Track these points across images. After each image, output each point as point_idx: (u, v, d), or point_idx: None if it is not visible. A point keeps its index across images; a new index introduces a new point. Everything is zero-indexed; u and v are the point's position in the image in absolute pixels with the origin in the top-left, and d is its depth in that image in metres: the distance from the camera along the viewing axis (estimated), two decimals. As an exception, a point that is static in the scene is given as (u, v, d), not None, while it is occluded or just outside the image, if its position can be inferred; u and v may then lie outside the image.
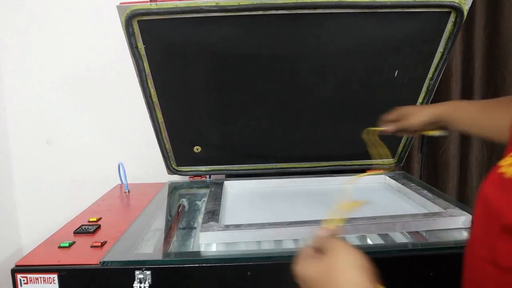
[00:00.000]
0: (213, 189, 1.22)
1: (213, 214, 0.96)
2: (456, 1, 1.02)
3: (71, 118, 1.59)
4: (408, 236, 0.93)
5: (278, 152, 1.34)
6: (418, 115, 0.90)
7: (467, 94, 1.55)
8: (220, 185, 1.26)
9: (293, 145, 1.31)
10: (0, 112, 1.56)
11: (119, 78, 1.51)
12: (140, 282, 0.76)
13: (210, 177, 1.42)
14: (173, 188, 1.36)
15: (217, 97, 1.20)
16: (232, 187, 1.30)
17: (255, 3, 0.96)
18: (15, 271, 0.78)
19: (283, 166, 1.37)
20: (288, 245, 0.88)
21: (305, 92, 1.19)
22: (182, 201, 1.27)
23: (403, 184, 1.19)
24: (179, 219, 1.12)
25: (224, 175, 1.43)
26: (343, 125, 1.25)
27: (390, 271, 0.52)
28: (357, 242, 0.93)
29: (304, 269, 0.49)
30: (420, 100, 1.24)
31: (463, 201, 1.55)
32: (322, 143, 1.31)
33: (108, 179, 1.47)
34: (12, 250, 1.59)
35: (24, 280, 0.77)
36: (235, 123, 1.28)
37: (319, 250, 0.49)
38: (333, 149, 1.33)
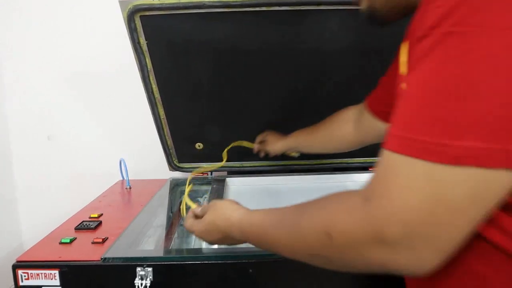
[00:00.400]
0: (215, 186, 1.22)
1: None
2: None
3: (72, 114, 1.58)
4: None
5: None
6: (274, 145, 1.18)
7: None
8: (222, 182, 1.26)
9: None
10: (1, 108, 1.56)
11: (121, 74, 1.51)
12: (142, 279, 0.76)
13: (211, 174, 1.42)
14: (175, 185, 1.36)
15: (219, 94, 1.20)
16: (234, 184, 1.30)
17: (258, -2, 0.97)
18: (16, 266, 0.78)
19: (285, 164, 1.37)
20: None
21: (309, 88, 1.19)
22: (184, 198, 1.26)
23: None
24: (180, 216, 1.11)
25: (226, 172, 1.43)
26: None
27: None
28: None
29: (192, 227, 0.70)
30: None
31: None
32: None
33: (110, 175, 1.47)
34: (13, 246, 1.59)
35: (25, 276, 0.78)
36: (237, 119, 1.28)
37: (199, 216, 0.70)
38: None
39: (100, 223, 1.00)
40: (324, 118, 1.20)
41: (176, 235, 1.00)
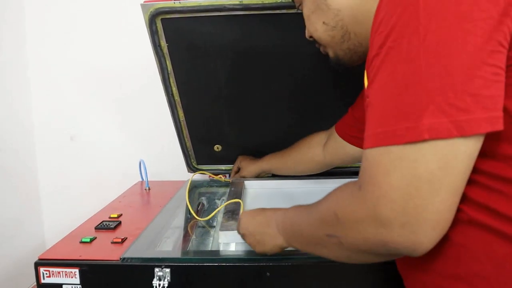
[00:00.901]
0: (232, 188, 1.21)
1: (232, 214, 0.95)
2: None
3: (94, 115, 1.61)
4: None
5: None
6: (248, 170, 1.30)
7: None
8: (239, 184, 1.26)
9: None
10: (26, 108, 1.59)
11: (142, 76, 1.52)
12: (159, 280, 0.76)
13: (229, 176, 1.41)
14: (193, 187, 1.35)
15: (239, 96, 1.20)
16: (251, 186, 1.29)
17: (279, 1, 0.96)
18: (38, 264, 0.79)
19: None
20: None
21: (330, 90, 1.18)
22: (202, 200, 1.26)
23: None
24: (198, 217, 1.11)
25: None
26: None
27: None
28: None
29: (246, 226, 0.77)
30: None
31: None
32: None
33: (129, 176, 1.48)
34: (35, 244, 1.62)
35: (46, 274, 0.78)
36: (256, 122, 1.28)
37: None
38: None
39: (120, 223, 1.00)
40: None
41: (194, 236, 1.00)
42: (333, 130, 1.10)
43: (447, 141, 0.43)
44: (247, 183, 1.29)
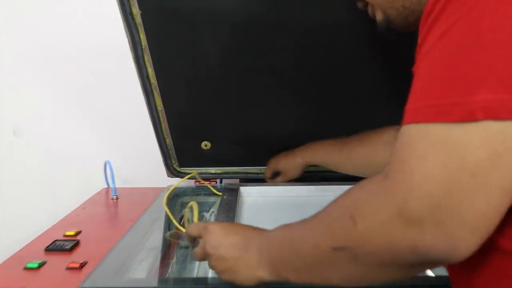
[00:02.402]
0: (225, 196, 1.22)
1: None
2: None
3: (45, 104, 1.59)
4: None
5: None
6: (292, 168, 1.30)
7: None
8: (234, 191, 1.27)
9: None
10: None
11: (108, 55, 1.52)
12: (130, 317, 0.76)
13: (221, 182, 1.43)
14: (174, 195, 1.35)
15: (234, 79, 1.21)
16: (249, 194, 1.31)
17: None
18: (-35, 298, 0.80)
19: (314, 170, 1.37)
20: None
21: (358, 72, 1.19)
22: (185, 211, 1.24)
23: None
24: (180, 235, 1.12)
25: (239, 179, 1.44)
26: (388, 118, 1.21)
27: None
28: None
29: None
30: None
31: None
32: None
33: (91, 181, 1.48)
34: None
35: (-23, 311, 0.79)
36: (254, 113, 1.29)
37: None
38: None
39: (78, 243, 1.00)
40: (367, 112, 1.26)
41: (174, 259, 1.00)
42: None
43: (504, 124, 0.43)
44: (244, 190, 1.31)
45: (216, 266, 0.73)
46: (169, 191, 1.27)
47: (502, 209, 0.45)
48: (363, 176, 1.17)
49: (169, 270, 0.95)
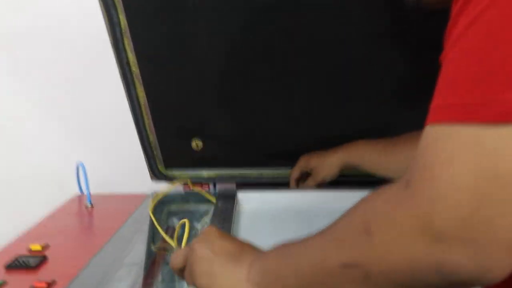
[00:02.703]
0: (219, 204, 1.22)
1: None
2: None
3: (7, 96, 1.57)
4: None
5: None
6: (326, 167, 1.28)
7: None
8: (230, 198, 1.27)
9: (336, 142, 1.31)
10: None
11: (82, 38, 1.50)
12: None
13: (215, 186, 1.43)
14: (160, 202, 1.35)
15: (229, 68, 1.21)
16: (248, 201, 1.31)
17: None
18: None
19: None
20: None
21: (356, 71, 1.20)
22: (173, 221, 1.26)
23: None
24: (167, 250, 1.12)
25: (235, 184, 1.43)
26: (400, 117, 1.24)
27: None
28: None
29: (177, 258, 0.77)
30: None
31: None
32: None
33: (62, 186, 1.47)
34: None
35: None
36: (253, 107, 1.29)
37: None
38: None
39: (45, 259, 0.99)
40: (376, 109, 1.28)
41: (160, 278, 0.99)
42: None
43: None
44: (242, 196, 1.31)
45: (197, 267, 0.72)
46: (158, 198, 1.29)
47: None
48: None
49: None
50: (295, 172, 1.34)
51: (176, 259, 0.76)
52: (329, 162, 1.28)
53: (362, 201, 0.56)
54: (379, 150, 1.22)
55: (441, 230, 0.45)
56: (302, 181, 1.33)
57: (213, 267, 0.70)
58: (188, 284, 0.74)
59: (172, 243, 1.06)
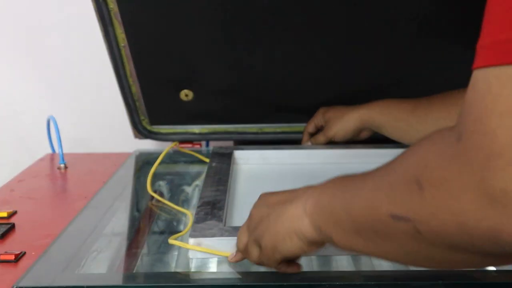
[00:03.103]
0: (214, 164, 1.21)
1: (213, 208, 0.96)
2: None
3: None
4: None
5: (319, 105, 1.37)
6: (342, 122, 1.29)
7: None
8: (226, 157, 1.26)
9: (342, 94, 1.35)
10: None
11: None
12: (84, 327, 0.77)
13: (208, 145, 1.45)
14: (144, 163, 1.36)
15: (223, 6, 1.20)
16: (246, 160, 1.31)
17: None
18: None
19: None
20: (336, 264, 0.91)
21: (372, 11, 1.21)
22: (159, 185, 1.27)
23: None
24: (153, 217, 1.13)
25: (232, 142, 1.46)
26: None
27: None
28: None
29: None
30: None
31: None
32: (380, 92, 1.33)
33: (30, 144, 1.49)
34: None
35: None
36: (252, 51, 1.29)
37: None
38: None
39: (12, 227, 0.98)
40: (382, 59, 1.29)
41: (145, 249, 1.00)
42: None
43: None
44: (240, 155, 1.31)
45: (259, 229, 0.76)
46: (152, 171, 1.25)
47: None
48: None
49: (138, 262, 0.95)
50: (310, 125, 1.35)
51: (240, 236, 0.80)
52: (346, 118, 1.28)
53: (413, 149, 0.58)
54: (408, 111, 1.21)
55: (498, 192, 0.45)
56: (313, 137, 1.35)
57: (271, 217, 0.74)
58: (263, 264, 0.77)
59: (188, 212, 1.06)
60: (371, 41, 1.25)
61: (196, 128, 1.41)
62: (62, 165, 1.32)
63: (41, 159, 1.39)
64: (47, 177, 1.28)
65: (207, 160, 1.30)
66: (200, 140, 1.42)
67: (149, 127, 1.40)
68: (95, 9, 1.17)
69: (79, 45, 1.54)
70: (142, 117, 1.38)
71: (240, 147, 1.34)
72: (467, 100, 0.49)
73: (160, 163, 1.35)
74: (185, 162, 1.35)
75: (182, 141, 1.40)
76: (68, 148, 1.36)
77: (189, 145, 1.41)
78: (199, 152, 1.39)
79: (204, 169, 1.25)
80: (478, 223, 0.47)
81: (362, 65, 1.28)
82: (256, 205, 0.80)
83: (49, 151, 1.42)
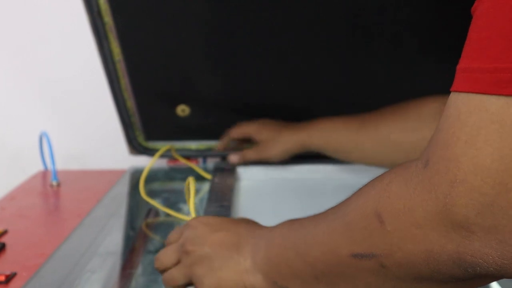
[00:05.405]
0: (216, 181, 1.21)
1: None
2: None
3: None
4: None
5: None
6: (277, 145, 1.28)
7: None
8: (227, 174, 1.27)
9: (341, 107, 1.31)
10: None
11: None
12: None
13: (205, 161, 1.45)
14: (139, 180, 1.32)
15: (221, 18, 1.22)
16: (248, 176, 1.32)
17: None
18: None
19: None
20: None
21: (368, 24, 1.22)
22: (156, 203, 1.24)
23: None
24: (148, 236, 1.14)
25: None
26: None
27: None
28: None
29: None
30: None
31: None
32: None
33: (21, 160, 1.50)
34: None
35: None
36: (250, 66, 1.30)
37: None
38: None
39: (3, 247, 0.98)
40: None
41: (139, 269, 1.00)
42: None
43: None
44: (242, 171, 1.32)
45: (195, 270, 0.74)
46: (145, 173, 1.26)
47: None
48: (387, 167, 1.15)
49: (133, 283, 0.95)
50: (237, 132, 1.33)
51: (166, 255, 0.80)
52: (284, 141, 1.27)
53: (374, 181, 0.58)
54: (354, 129, 1.19)
55: (461, 217, 0.46)
56: (237, 147, 1.34)
57: (214, 266, 0.73)
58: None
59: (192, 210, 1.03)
60: (372, 54, 1.25)
61: (193, 144, 1.41)
62: (55, 182, 1.31)
63: (34, 176, 1.39)
64: (39, 195, 1.28)
65: (207, 175, 1.31)
66: (197, 156, 1.42)
67: (144, 143, 1.40)
68: (89, 23, 1.18)
69: (73, 59, 1.54)
70: (137, 133, 1.38)
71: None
72: (439, 125, 0.50)
73: (156, 180, 1.37)
74: (181, 179, 1.34)
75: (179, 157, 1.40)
76: (61, 164, 1.37)
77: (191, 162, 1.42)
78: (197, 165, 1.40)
79: (200, 186, 1.26)
80: (443, 248, 0.48)
81: (364, 78, 1.28)
82: (191, 236, 0.77)
83: (42, 167, 1.42)
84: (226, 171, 1.28)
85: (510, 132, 0.44)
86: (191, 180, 0.92)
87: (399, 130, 1.12)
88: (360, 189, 0.59)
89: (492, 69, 0.45)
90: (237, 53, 1.27)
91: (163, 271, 0.79)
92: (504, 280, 0.94)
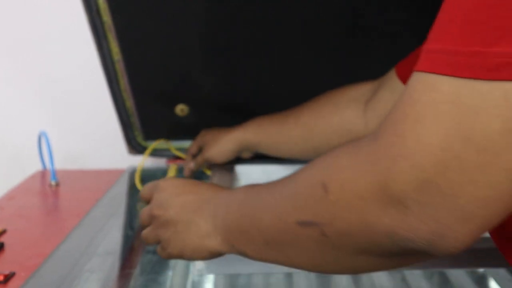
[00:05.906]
0: (216, 176, 1.23)
1: None
2: None
3: None
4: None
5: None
6: (218, 146, 1.30)
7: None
8: (227, 172, 1.28)
9: None
10: None
11: None
12: None
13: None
14: (140, 179, 1.35)
15: (220, 18, 1.22)
16: (249, 176, 1.34)
17: None
18: None
19: None
20: (335, 283, 0.93)
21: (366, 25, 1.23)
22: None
23: None
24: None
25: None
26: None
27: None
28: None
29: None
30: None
31: None
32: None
33: (21, 159, 1.49)
34: None
35: None
36: (248, 66, 1.31)
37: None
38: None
39: (2, 246, 0.98)
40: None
41: (138, 269, 1.00)
42: (387, 77, 1.12)
43: None
44: (241, 170, 1.33)
45: (162, 233, 0.75)
46: (139, 170, 1.27)
47: (510, 198, 0.46)
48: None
49: (132, 283, 0.95)
50: (192, 147, 1.35)
51: (144, 191, 0.81)
52: (223, 141, 1.29)
53: (327, 154, 0.59)
54: (275, 125, 1.23)
55: (398, 191, 0.47)
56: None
57: (177, 229, 0.74)
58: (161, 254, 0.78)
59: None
60: (372, 54, 1.26)
61: (189, 144, 1.39)
62: (54, 182, 1.31)
63: (32, 176, 1.39)
64: (38, 195, 1.28)
65: (207, 171, 1.31)
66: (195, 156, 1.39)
67: (143, 143, 1.40)
68: (88, 22, 1.18)
69: (72, 59, 1.54)
70: (136, 133, 1.38)
71: (241, 162, 1.35)
72: (397, 101, 0.51)
73: (155, 178, 1.31)
74: (181, 176, 1.35)
75: (176, 158, 1.40)
76: (60, 164, 1.36)
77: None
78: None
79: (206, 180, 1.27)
80: (379, 220, 0.49)
81: (363, 78, 1.25)
82: (158, 199, 0.78)
83: (40, 167, 1.41)
84: (225, 170, 1.29)
85: (458, 114, 0.45)
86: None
87: (322, 121, 1.17)
88: (312, 161, 0.61)
89: (451, 52, 0.46)
90: (236, 53, 1.27)
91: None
92: (504, 280, 0.96)
